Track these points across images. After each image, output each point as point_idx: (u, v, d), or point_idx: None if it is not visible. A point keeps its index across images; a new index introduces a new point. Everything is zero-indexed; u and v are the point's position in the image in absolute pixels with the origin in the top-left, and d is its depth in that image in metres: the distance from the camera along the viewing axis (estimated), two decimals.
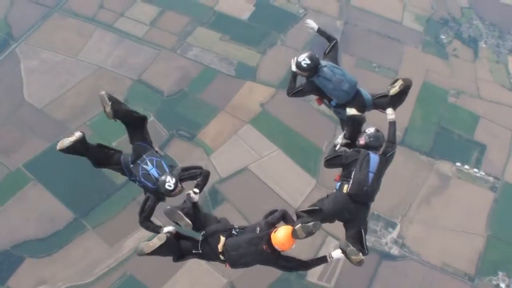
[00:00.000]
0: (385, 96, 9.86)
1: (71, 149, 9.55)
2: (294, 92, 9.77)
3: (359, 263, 8.61)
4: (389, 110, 9.61)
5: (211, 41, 30.29)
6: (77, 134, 9.32)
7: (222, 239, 8.85)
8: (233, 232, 9.04)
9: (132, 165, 9.27)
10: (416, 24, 32.83)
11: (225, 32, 30.78)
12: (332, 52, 9.97)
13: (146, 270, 22.87)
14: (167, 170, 9.10)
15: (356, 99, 9.55)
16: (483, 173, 27.35)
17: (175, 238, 9.19)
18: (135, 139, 9.53)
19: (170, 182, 8.71)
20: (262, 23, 31.33)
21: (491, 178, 27.27)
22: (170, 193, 8.94)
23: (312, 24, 10.21)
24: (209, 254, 9.01)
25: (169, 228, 9.15)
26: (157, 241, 8.78)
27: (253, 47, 30.49)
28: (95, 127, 26.39)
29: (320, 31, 10.23)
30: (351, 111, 9.36)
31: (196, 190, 9.20)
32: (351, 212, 9.00)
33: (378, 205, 24.89)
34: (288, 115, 26.60)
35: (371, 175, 8.90)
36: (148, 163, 9.15)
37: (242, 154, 26.35)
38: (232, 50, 30.15)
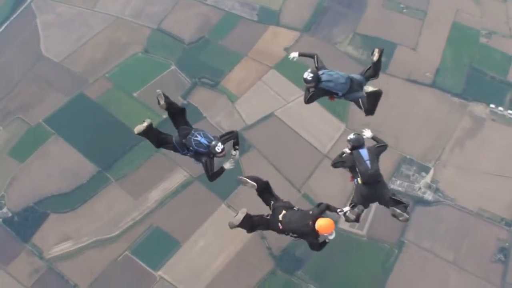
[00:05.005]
0: (369, 68, 12.02)
1: (145, 132, 11.42)
2: (309, 98, 11.95)
3: (406, 220, 10.90)
4: (366, 132, 11.85)
5: None
6: (148, 121, 11.41)
7: (284, 212, 10.95)
8: (294, 208, 11.08)
9: (184, 140, 11.32)
10: None
11: None
12: (319, 62, 12.26)
13: (173, 222, 22.03)
14: (212, 138, 11.21)
15: (354, 83, 11.72)
16: None
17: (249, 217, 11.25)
18: (180, 125, 11.66)
19: (219, 146, 10.99)
20: None
21: None
22: (218, 154, 11.06)
23: (293, 54, 12.49)
24: (272, 222, 11.06)
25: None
26: (241, 214, 10.83)
27: None
28: (114, 78, 25.28)
29: (301, 54, 12.50)
30: (368, 89, 11.46)
31: (234, 152, 11.71)
32: (375, 193, 11.18)
33: (410, 149, 23.73)
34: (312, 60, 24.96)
35: (368, 162, 10.99)
36: (197, 135, 11.28)
37: (267, 100, 24.99)
38: None
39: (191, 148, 11.39)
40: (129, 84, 24.82)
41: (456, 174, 23.80)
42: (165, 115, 23.08)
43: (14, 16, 27.49)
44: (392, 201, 11.27)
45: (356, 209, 11.04)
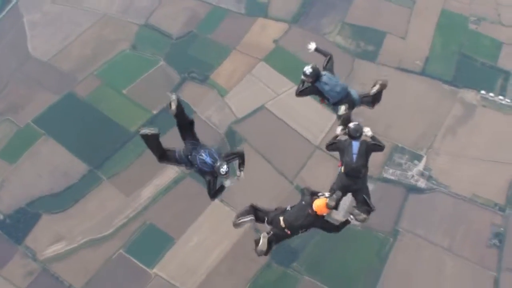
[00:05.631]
0: (369, 96, 12.59)
1: (149, 138, 11.62)
2: (301, 91, 12.41)
3: (365, 221, 11.66)
4: (366, 129, 11.98)
5: None
6: (157, 129, 11.64)
7: (281, 218, 11.45)
8: (287, 208, 11.67)
9: (190, 156, 11.45)
10: None
11: None
12: (329, 65, 12.42)
13: (166, 218, 21.88)
14: (217, 157, 11.34)
15: (347, 98, 12.19)
16: (508, 100, 25.48)
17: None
18: (187, 138, 11.77)
19: (224, 168, 11.08)
20: None
21: None
22: (223, 176, 11.22)
23: (312, 46, 12.51)
24: (279, 233, 11.53)
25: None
26: (264, 239, 11.38)
27: None
28: (102, 76, 25.02)
29: (317, 49, 12.54)
30: (340, 111, 12.14)
31: (239, 172, 12.11)
32: (353, 185, 11.66)
33: (402, 137, 23.75)
34: (302, 50, 24.52)
35: (354, 156, 11.49)
36: (203, 153, 11.35)
37: (257, 92, 24.82)
38: None
39: (195, 165, 11.48)
40: (118, 81, 24.63)
41: (448, 161, 23.74)
42: (155, 111, 23.18)
43: (0, 16, 27.16)
44: (362, 200, 11.87)
45: (334, 196, 11.22)
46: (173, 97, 11.68)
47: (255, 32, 26.70)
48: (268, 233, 11.75)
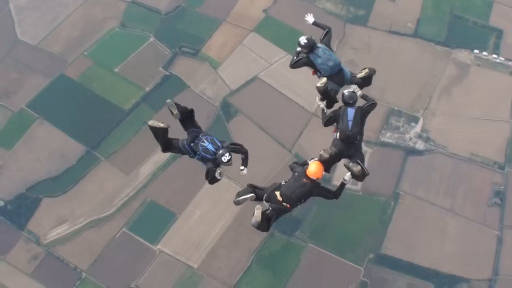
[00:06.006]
0: (358, 77, 12.73)
1: (157, 131, 11.84)
2: (295, 62, 12.61)
3: (359, 172, 11.61)
4: (354, 87, 12.42)
5: None
6: (166, 124, 11.82)
7: (277, 193, 11.66)
8: (282, 183, 11.85)
9: (192, 144, 11.69)
10: None
11: None
12: (326, 38, 12.66)
13: (167, 194, 21.85)
14: (220, 144, 11.63)
15: (338, 74, 12.42)
16: (502, 59, 25.34)
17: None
18: (189, 127, 12.00)
19: (226, 156, 11.35)
20: None
21: (511, 63, 25.25)
22: (225, 163, 11.41)
23: (309, 18, 12.84)
24: (278, 207, 11.72)
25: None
26: (259, 211, 11.49)
27: None
28: (93, 56, 24.72)
29: (315, 23, 12.82)
30: (317, 83, 12.19)
31: (242, 167, 12.19)
32: (348, 150, 11.89)
33: (397, 100, 23.67)
34: (293, 18, 24.85)
35: (350, 123, 11.70)
36: (205, 141, 11.63)
37: (250, 63, 24.59)
38: None
39: (198, 152, 11.70)
40: (109, 60, 24.38)
41: (445, 122, 23.71)
42: (148, 88, 22.98)
43: None
44: (356, 163, 11.99)
45: (329, 149, 11.74)
46: (169, 101, 11.83)
47: (244, 3, 26.39)
48: (266, 210, 11.88)
